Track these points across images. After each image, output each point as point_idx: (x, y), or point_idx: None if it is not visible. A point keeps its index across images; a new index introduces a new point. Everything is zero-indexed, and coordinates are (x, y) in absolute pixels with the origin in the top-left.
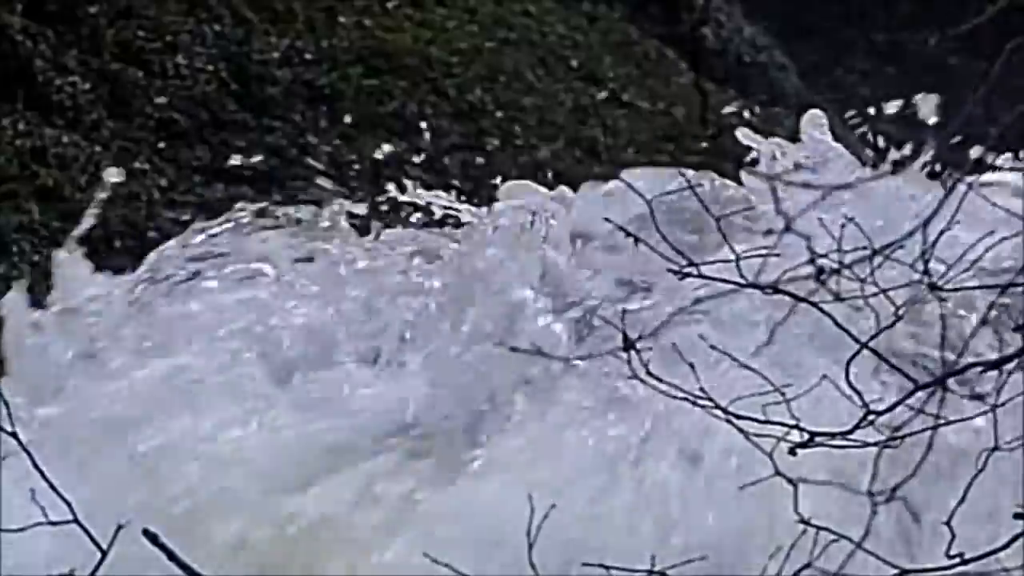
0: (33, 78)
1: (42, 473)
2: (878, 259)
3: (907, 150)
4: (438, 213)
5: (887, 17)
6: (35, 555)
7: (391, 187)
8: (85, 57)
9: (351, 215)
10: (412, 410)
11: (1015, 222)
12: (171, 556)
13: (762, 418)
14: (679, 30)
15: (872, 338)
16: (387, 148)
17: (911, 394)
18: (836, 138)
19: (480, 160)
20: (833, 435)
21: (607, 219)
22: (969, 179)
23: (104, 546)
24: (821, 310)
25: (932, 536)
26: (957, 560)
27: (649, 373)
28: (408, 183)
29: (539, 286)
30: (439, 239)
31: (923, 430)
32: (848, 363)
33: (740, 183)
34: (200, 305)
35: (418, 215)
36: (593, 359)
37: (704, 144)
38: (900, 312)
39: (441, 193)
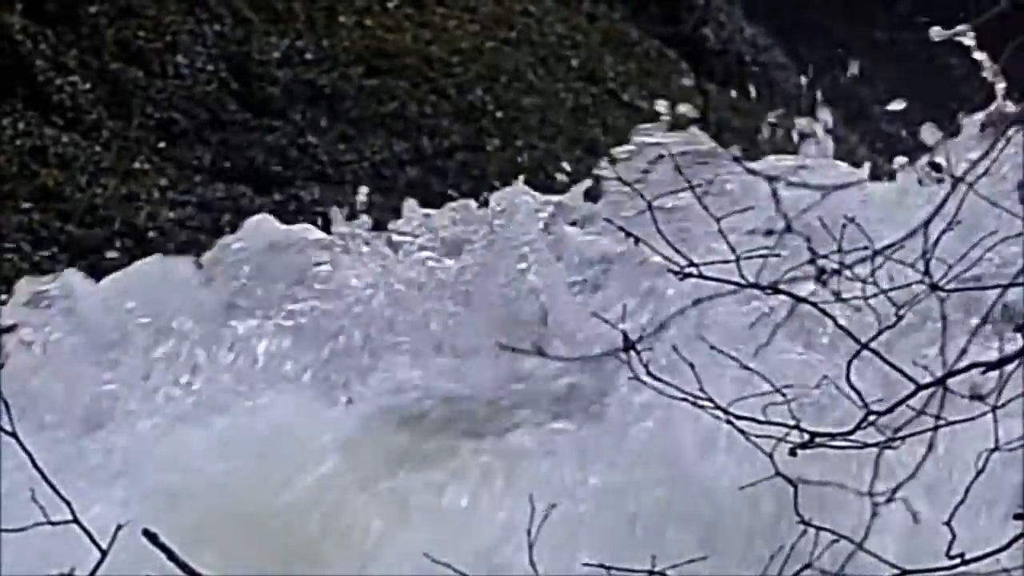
0: (33, 78)
1: (42, 473)
2: (878, 259)
3: (907, 150)
4: (438, 213)
5: (887, 17)
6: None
7: (391, 187)
8: (85, 57)
9: (351, 214)
10: (414, 406)
11: (1015, 222)
12: (171, 556)
13: (762, 418)
14: (679, 30)
15: (873, 338)
16: (387, 148)
17: (912, 394)
18: (836, 138)
19: (480, 160)
20: (833, 435)
21: (607, 219)
22: (970, 179)
23: (104, 546)
24: (821, 310)
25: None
26: (957, 560)
27: (649, 373)
28: (408, 183)
29: (539, 285)
30: (438, 239)
31: (923, 430)
32: (849, 363)
33: (740, 183)
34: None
35: (417, 215)
36: (593, 359)
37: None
38: (900, 312)
39: (440, 193)
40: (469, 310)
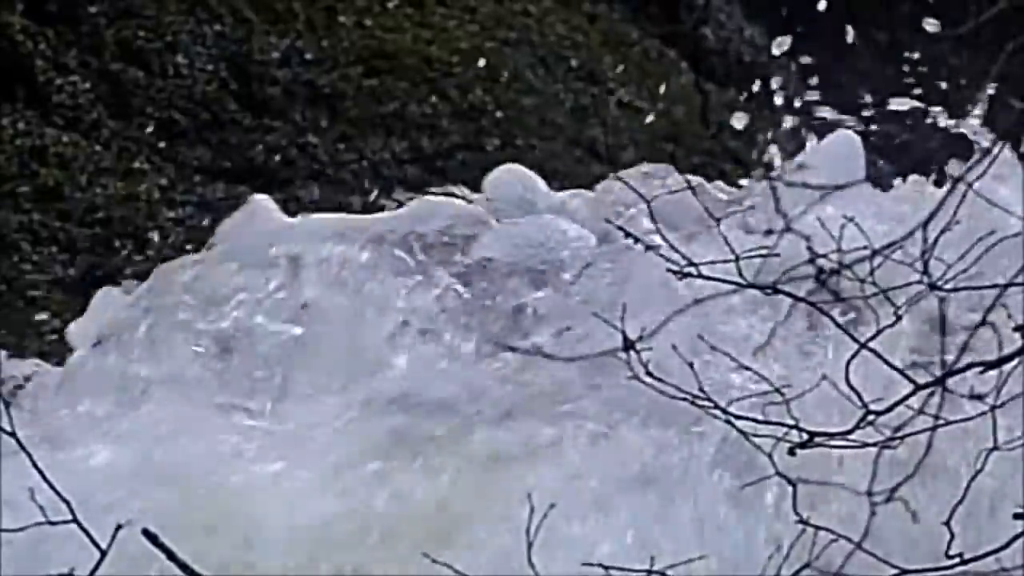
0: (33, 78)
1: (42, 473)
2: (878, 259)
3: (907, 150)
4: (437, 213)
5: (887, 17)
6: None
7: (391, 187)
8: (85, 57)
9: (351, 215)
10: (419, 406)
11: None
12: (171, 556)
13: (762, 418)
14: (679, 30)
15: (872, 338)
16: (387, 148)
17: (911, 394)
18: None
19: (480, 160)
20: (833, 435)
21: (607, 219)
22: (970, 178)
23: (104, 546)
24: (821, 310)
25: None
26: (957, 560)
27: (649, 373)
28: (408, 183)
29: (540, 285)
30: (437, 239)
31: (923, 430)
32: (848, 363)
33: (740, 183)
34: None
35: (417, 215)
36: (593, 359)
37: (704, 144)
38: (900, 312)
39: (441, 193)
40: (467, 307)
